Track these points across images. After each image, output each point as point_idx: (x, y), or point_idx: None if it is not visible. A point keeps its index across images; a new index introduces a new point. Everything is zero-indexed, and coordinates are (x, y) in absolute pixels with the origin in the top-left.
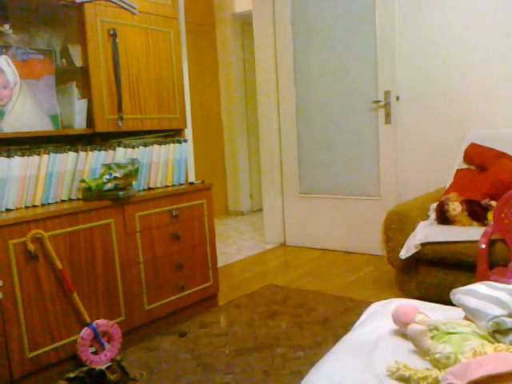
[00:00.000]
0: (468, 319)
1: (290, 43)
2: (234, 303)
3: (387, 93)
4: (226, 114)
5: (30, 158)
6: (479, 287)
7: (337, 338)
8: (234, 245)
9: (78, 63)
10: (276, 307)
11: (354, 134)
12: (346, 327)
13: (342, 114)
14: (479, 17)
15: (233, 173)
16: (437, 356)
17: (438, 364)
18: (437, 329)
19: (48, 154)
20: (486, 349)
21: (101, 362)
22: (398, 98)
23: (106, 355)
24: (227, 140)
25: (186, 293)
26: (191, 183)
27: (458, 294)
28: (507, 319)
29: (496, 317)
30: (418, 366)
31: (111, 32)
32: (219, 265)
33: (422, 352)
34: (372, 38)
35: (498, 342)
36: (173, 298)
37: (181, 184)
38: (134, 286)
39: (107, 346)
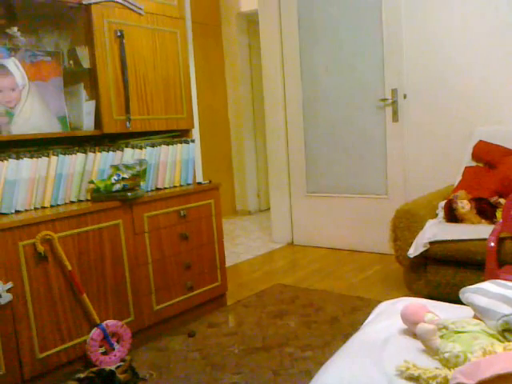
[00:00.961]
0: (477, 318)
1: (296, 42)
2: (243, 303)
3: (394, 91)
4: (233, 114)
5: (39, 159)
6: (488, 286)
7: (345, 337)
8: (242, 244)
9: (86, 64)
10: (284, 307)
11: (361, 132)
12: (355, 326)
13: (349, 112)
14: (486, 13)
15: (240, 172)
16: (446, 355)
17: (448, 363)
18: (446, 328)
19: (57, 155)
20: (496, 348)
21: (110, 363)
22: (405, 96)
23: (115, 355)
24: (234, 139)
25: (194, 293)
26: (199, 183)
27: (467, 292)
28: None
29: (506, 315)
30: (428, 365)
31: (118, 33)
32: (227, 264)
33: (432, 351)
34: (379, 35)
35: (508, 340)
36: (181, 298)
37: (188, 184)
38: (142, 287)
39: (117, 346)
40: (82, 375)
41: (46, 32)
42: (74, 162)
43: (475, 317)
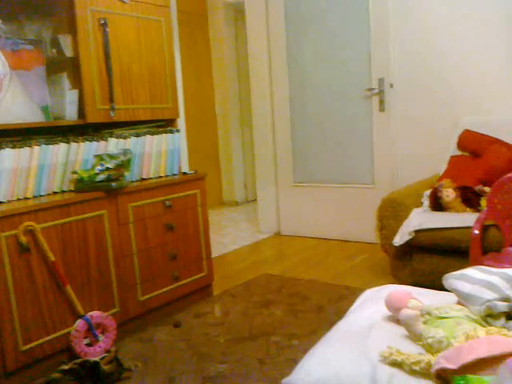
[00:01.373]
0: (461, 304)
1: (282, 32)
2: (229, 293)
3: (381, 80)
4: (220, 104)
5: (21, 150)
6: (472, 272)
7: (331, 325)
8: (229, 235)
9: (69, 53)
10: (271, 296)
11: (347, 122)
12: (341, 315)
13: (336, 102)
14: (473, 4)
15: (227, 163)
16: (429, 341)
17: (431, 348)
18: (429, 313)
19: (39, 145)
20: (478, 332)
21: (95, 354)
22: (391, 86)
23: (100, 347)
24: (221, 130)
25: (180, 283)
26: (184, 173)
27: (450, 278)
28: (499, 303)
29: (488, 301)
30: (411, 350)
31: (102, 21)
32: (214, 255)
33: (415, 337)
34: (366, 25)
35: (490, 325)
36: (167, 288)
37: (174, 174)
38: (127, 277)
39: (101, 337)
40: (66, 367)
41: (27, 20)
42: (57, 152)
43: (459, 303)
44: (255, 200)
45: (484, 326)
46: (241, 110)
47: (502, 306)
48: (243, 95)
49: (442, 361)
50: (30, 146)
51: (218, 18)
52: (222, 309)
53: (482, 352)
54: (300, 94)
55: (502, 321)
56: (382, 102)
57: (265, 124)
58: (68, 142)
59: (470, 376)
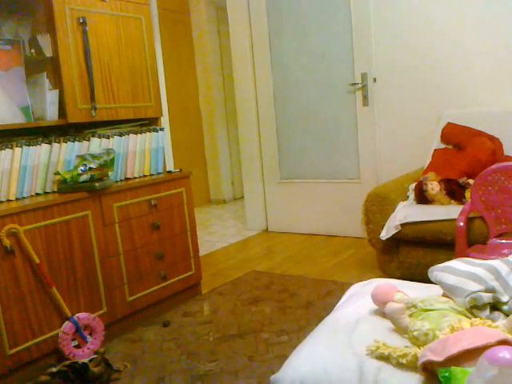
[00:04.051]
0: (446, 296)
1: (265, 28)
2: (218, 291)
3: (364, 75)
4: (205, 102)
5: (2, 151)
6: (456, 264)
7: (320, 320)
8: (217, 233)
9: (48, 53)
10: (259, 293)
11: (332, 117)
12: (329, 310)
13: (320, 97)
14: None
15: (213, 161)
16: (415, 333)
17: (417, 341)
18: (415, 306)
19: (20, 147)
20: (463, 324)
21: (84, 356)
22: (374, 80)
23: (88, 348)
24: (206, 128)
25: (168, 282)
26: (169, 172)
27: (435, 271)
28: (484, 294)
29: (473, 292)
30: (397, 343)
31: (81, 20)
32: (202, 253)
33: (401, 330)
34: (347, 20)
35: (475, 316)
36: (155, 288)
37: (159, 173)
38: (114, 278)
39: (89, 339)
40: (54, 369)
41: (4, 19)
42: (39, 153)
43: (444, 295)
44: (243, 197)
45: (469, 318)
46: (225, 106)
47: (487, 297)
48: (228, 92)
49: (428, 353)
50: (11, 148)
51: (200, 15)
52: (210, 307)
53: (467, 344)
54: (284, 90)
55: (487, 312)
56: (365, 96)
57: (250, 121)
58: (50, 143)
59: (454, 368)
